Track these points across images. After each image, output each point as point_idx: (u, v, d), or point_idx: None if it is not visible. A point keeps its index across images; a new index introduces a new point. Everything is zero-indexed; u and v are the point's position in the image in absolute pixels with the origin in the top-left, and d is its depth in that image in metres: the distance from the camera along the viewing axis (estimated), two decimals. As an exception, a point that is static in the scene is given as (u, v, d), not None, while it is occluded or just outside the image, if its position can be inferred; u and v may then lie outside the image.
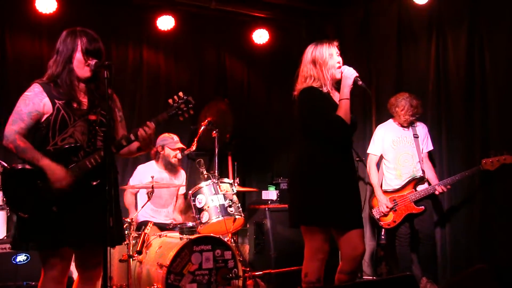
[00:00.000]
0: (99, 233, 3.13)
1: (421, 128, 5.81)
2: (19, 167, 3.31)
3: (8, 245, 4.83)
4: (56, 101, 3.32)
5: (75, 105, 3.36)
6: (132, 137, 3.39)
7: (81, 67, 3.37)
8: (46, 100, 3.31)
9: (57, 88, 3.34)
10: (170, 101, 3.52)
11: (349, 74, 3.75)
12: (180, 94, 3.53)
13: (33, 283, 3.52)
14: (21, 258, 4.95)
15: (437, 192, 5.50)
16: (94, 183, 3.33)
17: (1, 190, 5.12)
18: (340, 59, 3.85)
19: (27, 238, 3.30)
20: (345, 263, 3.75)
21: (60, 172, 3.25)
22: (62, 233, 3.25)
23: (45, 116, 3.32)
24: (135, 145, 3.51)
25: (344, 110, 3.67)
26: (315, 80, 3.80)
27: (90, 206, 3.30)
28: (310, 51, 3.87)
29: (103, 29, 6.59)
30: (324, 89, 3.78)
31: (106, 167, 3.13)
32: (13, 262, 4.94)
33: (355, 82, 3.76)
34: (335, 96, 3.81)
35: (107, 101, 3.24)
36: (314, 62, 3.82)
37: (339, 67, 3.81)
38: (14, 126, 3.29)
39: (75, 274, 5.44)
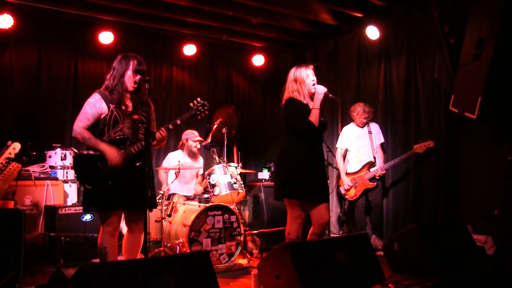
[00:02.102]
0: (140, 200, 3.22)
1: (374, 126, 5.88)
2: (85, 153, 3.39)
3: (79, 207, 4.87)
4: (110, 105, 3.37)
5: (123, 107, 3.41)
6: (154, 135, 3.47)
7: (130, 81, 3.43)
8: (104, 105, 3.37)
9: (111, 95, 3.40)
10: (191, 104, 3.59)
11: (320, 90, 3.74)
12: (198, 99, 3.57)
13: (96, 235, 3.62)
14: (87, 217, 4.98)
15: (377, 176, 5.61)
16: (138, 164, 3.39)
17: (72, 168, 5.22)
18: (314, 78, 3.82)
19: (91, 203, 3.38)
20: (315, 227, 3.74)
21: (114, 153, 3.31)
22: (115, 200, 3.33)
23: (102, 116, 3.37)
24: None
25: (314, 116, 3.68)
26: (297, 94, 3.79)
27: (134, 181, 3.35)
28: (293, 72, 3.84)
29: (145, 54, 6.63)
30: (304, 101, 3.78)
31: (146, 152, 3.22)
32: (82, 219, 4.98)
33: (326, 95, 3.74)
34: (311, 105, 3.77)
35: (147, 107, 3.34)
36: (295, 80, 3.80)
37: (314, 84, 3.79)
38: (81, 123, 3.36)
39: (124, 230, 5.56)
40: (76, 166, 3.44)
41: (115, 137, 3.38)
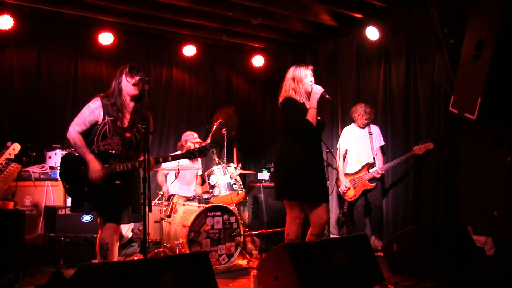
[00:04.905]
0: (113, 208, 3.38)
1: (375, 128, 5.87)
2: (74, 152, 3.46)
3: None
4: (107, 117, 3.41)
5: (118, 123, 3.43)
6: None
7: (128, 87, 3.45)
8: (101, 113, 3.41)
9: (112, 107, 3.43)
10: (190, 147, 3.62)
11: (317, 90, 3.74)
12: (198, 146, 3.63)
13: (95, 235, 3.64)
14: (87, 217, 4.99)
15: (377, 176, 5.61)
16: (117, 182, 3.40)
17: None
18: (312, 78, 3.83)
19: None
20: (313, 228, 3.75)
21: (97, 167, 3.33)
22: (89, 203, 3.42)
23: (98, 123, 3.42)
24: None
25: (311, 116, 3.68)
26: (294, 93, 3.79)
27: (109, 195, 3.40)
28: (291, 71, 3.85)
29: (145, 55, 6.74)
30: (300, 100, 3.78)
31: (145, 163, 3.21)
32: (82, 220, 4.99)
33: (322, 95, 3.75)
34: (308, 105, 3.78)
35: (146, 112, 3.38)
36: (294, 79, 3.80)
37: (311, 84, 3.80)
38: (77, 127, 3.41)
39: (124, 231, 5.56)
40: (62, 162, 3.51)
41: (105, 149, 3.42)
